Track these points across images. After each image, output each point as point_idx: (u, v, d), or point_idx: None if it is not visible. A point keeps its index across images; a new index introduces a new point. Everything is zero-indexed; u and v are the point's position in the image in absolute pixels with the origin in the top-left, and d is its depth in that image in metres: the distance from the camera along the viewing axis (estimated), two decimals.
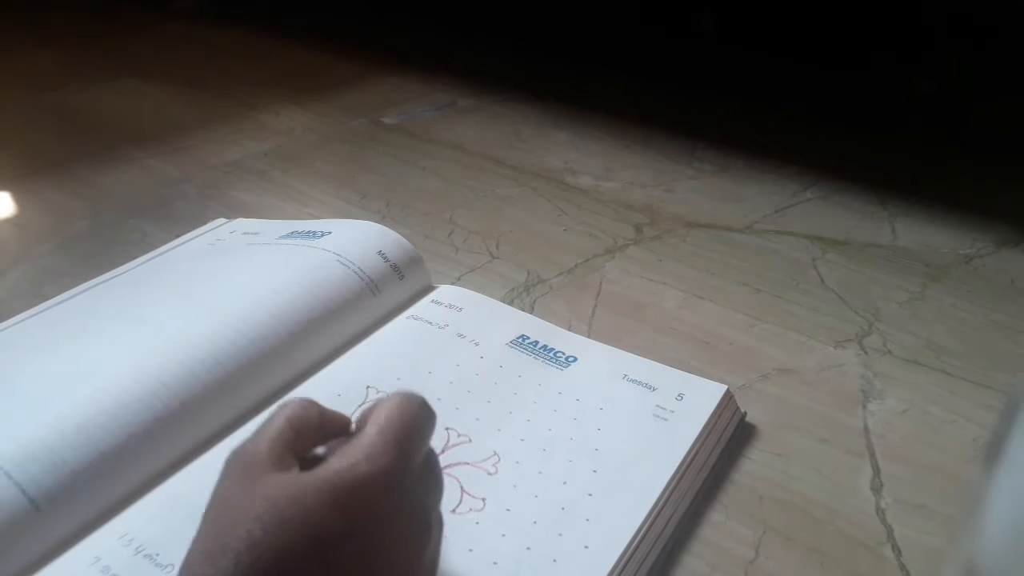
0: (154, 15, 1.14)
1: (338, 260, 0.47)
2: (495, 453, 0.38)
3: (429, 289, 0.51)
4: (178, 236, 0.57)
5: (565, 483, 0.37)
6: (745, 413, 0.43)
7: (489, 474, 0.37)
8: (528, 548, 0.34)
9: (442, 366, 0.44)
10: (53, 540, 0.33)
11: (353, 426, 0.29)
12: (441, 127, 0.80)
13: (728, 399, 0.42)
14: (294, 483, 0.24)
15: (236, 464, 0.26)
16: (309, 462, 0.26)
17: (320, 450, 0.27)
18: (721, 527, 0.37)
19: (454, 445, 0.39)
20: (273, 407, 0.28)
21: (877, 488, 0.39)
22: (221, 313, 0.42)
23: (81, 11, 1.15)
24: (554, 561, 0.33)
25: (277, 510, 0.24)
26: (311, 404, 0.28)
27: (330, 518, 0.24)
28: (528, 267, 0.57)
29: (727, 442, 0.41)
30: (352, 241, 0.49)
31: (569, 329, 0.49)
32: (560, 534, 0.34)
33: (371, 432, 0.26)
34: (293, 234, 0.52)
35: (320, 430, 0.28)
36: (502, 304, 0.50)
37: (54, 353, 0.42)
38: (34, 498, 0.33)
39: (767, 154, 0.75)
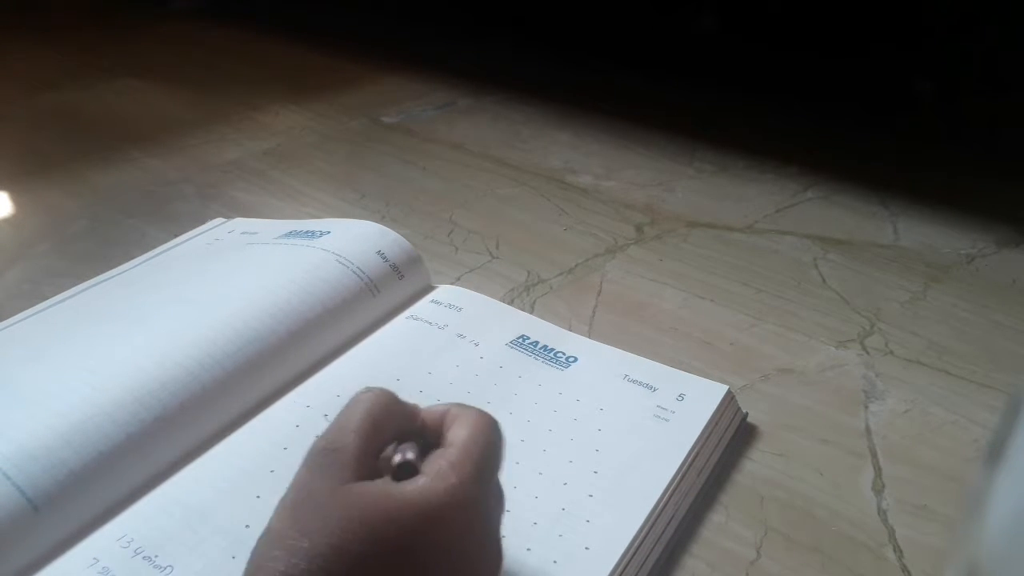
0: (154, 15, 1.14)
1: (337, 260, 0.47)
2: None
3: (429, 289, 0.51)
4: (176, 236, 0.57)
5: (566, 484, 0.37)
6: (746, 414, 0.43)
7: None
8: (528, 549, 0.33)
9: (442, 367, 0.43)
10: (52, 541, 0.33)
11: (423, 422, 0.29)
12: (441, 127, 0.80)
13: (729, 399, 0.42)
14: (386, 497, 0.25)
15: (321, 457, 0.26)
16: (395, 470, 0.27)
17: (400, 456, 0.27)
18: (722, 528, 0.37)
19: None
20: (351, 398, 0.29)
21: (879, 489, 0.39)
22: (220, 313, 0.42)
23: (81, 11, 1.15)
24: (554, 562, 0.33)
25: (369, 524, 0.24)
26: (384, 394, 0.29)
27: (422, 534, 0.25)
28: (528, 267, 0.57)
29: (728, 443, 0.41)
30: (351, 241, 0.49)
31: (569, 329, 0.48)
32: (560, 535, 0.34)
33: (456, 452, 0.27)
34: (292, 234, 0.52)
35: (395, 422, 0.28)
36: (502, 304, 0.50)
37: (52, 353, 0.41)
38: (32, 498, 0.32)
39: (767, 154, 0.75)
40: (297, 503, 0.25)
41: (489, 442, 0.28)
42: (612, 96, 0.88)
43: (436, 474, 0.26)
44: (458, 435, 0.27)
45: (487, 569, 0.27)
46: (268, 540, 0.25)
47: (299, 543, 0.24)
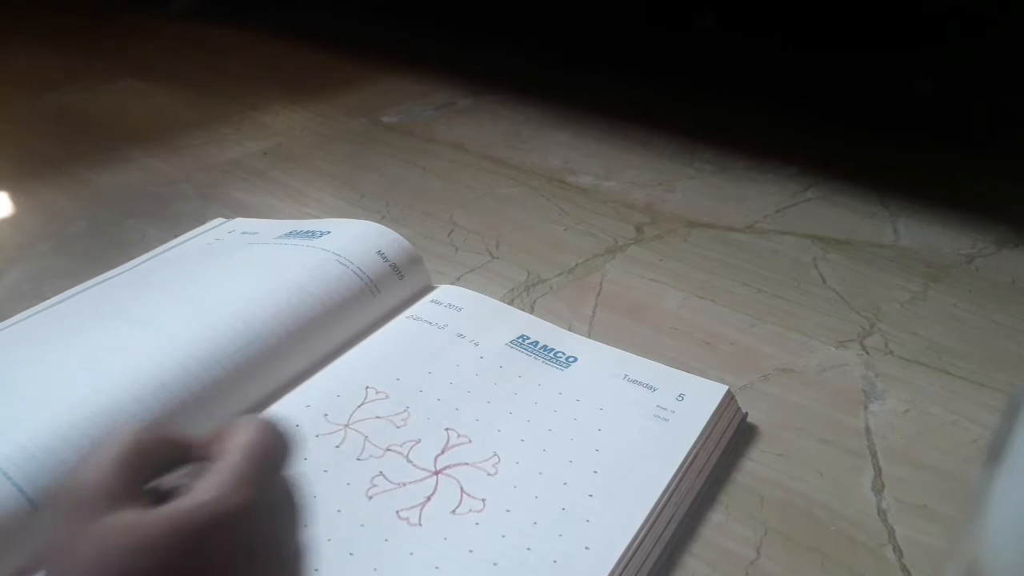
0: (154, 15, 1.14)
1: (337, 260, 0.47)
2: (495, 454, 0.38)
3: (429, 289, 0.51)
4: (177, 236, 0.57)
5: (565, 484, 0.37)
6: (746, 413, 0.43)
7: (489, 475, 0.37)
8: (528, 549, 0.33)
9: (442, 366, 0.43)
10: None
11: (202, 444, 0.27)
12: (441, 127, 0.80)
13: (729, 399, 0.42)
14: (141, 523, 0.22)
15: (67, 500, 0.23)
16: (157, 495, 0.24)
17: (167, 480, 0.25)
18: (722, 528, 0.37)
19: (454, 446, 0.39)
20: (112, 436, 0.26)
21: (878, 489, 0.39)
22: (219, 313, 0.42)
23: (81, 11, 1.15)
24: (554, 562, 0.33)
25: (127, 553, 0.22)
26: (139, 426, 0.26)
27: (182, 553, 0.22)
28: (528, 267, 0.57)
29: (728, 442, 0.41)
30: (351, 241, 0.49)
31: (569, 329, 0.48)
32: (560, 535, 0.34)
33: (228, 465, 0.24)
34: (292, 234, 0.52)
35: (158, 451, 0.26)
36: (502, 304, 0.50)
37: (52, 353, 0.41)
38: (32, 498, 0.32)
39: (767, 154, 0.75)
40: (54, 553, 0.23)
41: (267, 450, 0.25)
42: (612, 96, 0.88)
43: (198, 489, 0.23)
44: (230, 446, 0.25)
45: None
46: None
47: None
